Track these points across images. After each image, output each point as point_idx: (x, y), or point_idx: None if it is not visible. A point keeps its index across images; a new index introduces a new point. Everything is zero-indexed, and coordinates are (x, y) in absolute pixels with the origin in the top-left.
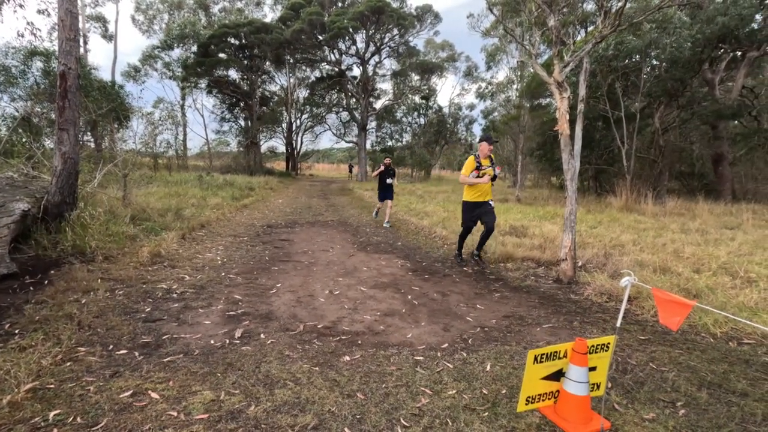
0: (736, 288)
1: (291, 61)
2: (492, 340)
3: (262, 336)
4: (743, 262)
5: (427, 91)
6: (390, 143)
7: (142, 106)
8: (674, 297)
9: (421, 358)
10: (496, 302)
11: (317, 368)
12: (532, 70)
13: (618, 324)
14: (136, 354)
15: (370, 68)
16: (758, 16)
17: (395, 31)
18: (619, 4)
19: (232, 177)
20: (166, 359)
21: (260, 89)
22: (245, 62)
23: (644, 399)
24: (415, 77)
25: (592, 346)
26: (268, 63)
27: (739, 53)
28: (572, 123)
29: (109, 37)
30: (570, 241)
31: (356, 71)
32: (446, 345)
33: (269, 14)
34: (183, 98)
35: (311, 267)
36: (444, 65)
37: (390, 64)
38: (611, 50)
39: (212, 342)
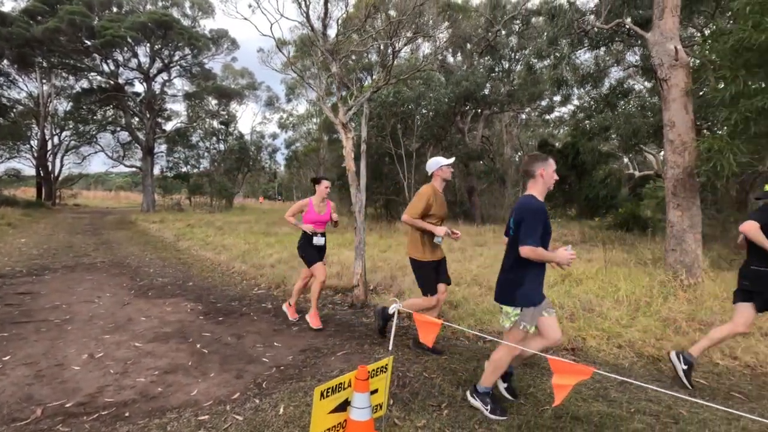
0: (482, 295)
1: (44, 65)
2: (287, 379)
3: None
4: (487, 273)
5: (227, 116)
6: (185, 169)
7: None
8: (428, 318)
9: (206, 417)
10: (294, 337)
11: None
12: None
13: (390, 347)
14: None
15: (156, 86)
16: (489, 84)
17: (187, 50)
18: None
19: None
20: None
21: None
22: None
23: (418, 408)
24: (213, 101)
25: (372, 370)
26: (6, 63)
27: (479, 110)
28: (358, 160)
29: None
30: (361, 267)
31: (139, 87)
32: (237, 395)
33: (8, 2)
34: None
35: (64, 326)
36: (244, 92)
37: (182, 85)
38: (392, 97)
39: None
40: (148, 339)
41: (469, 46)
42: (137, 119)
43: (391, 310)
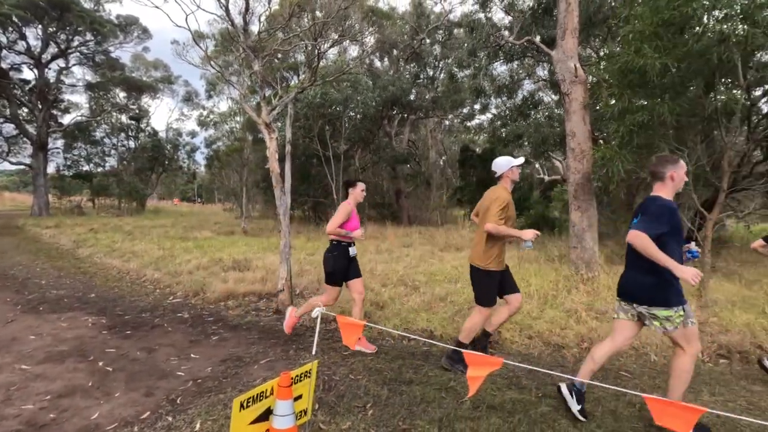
0: (408, 295)
1: None
2: (205, 393)
3: None
4: (413, 273)
5: (138, 111)
6: (87, 168)
7: None
8: (351, 320)
9: None
10: (213, 347)
11: None
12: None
13: (314, 352)
14: None
15: (51, 73)
16: (415, 90)
17: (89, 36)
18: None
19: None
20: None
21: None
22: None
23: (343, 410)
24: (121, 94)
25: (296, 376)
26: None
27: (406, 115)
28: (283, 161)
29: None
30: (286, 271)
31: (29, 74)
32: (147, 414)
33: None
34: None
35: None
36: (158, 86)
37: (83, 74)
38: (319, 99)
39: None
40: (37, 360)
41: (395, 52)
42: (26, 110)
43: (314, 314)
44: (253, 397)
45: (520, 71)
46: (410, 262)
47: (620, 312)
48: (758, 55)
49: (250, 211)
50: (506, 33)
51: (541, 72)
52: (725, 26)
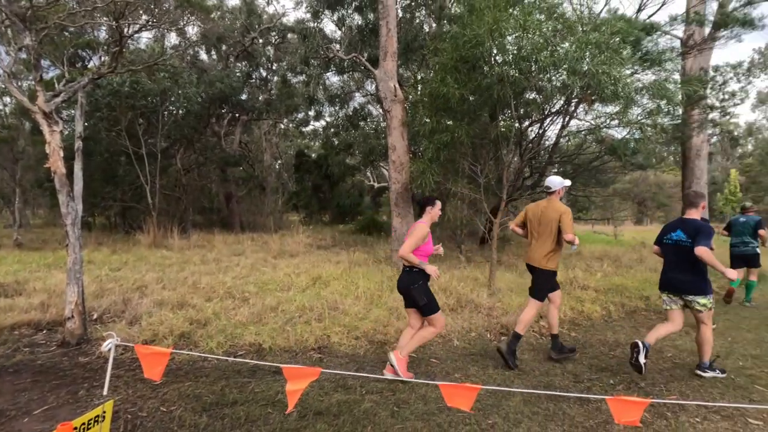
0: (236, 308)
1: None
2: None
3: None
4: (242, 284)
5: None
6: None
7: None
8: (154, 349)
9: None
10: None
11: None
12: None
13: (105, 392)
14: None
15: None
16: (247, 90)
17: None
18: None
19: None
20: None
21: None
22: None
23: None
24: None
25: (82, 424)
26: None
27: (237, 115)
28: (73, 159)
29: None
30: (76, 294)
31: None
32: None
33: None
34: None
35: None
36: None
37: None
38: (128, 87)
39: None
40: None
41: (224, 47)
42: None
43: (105, 348)
44: None
45: (351, 84)
46: (240, 272)
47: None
48: (525, 94)
49: (28, 219)
50: (337, 46)
51: (370, 87)
52: (502, 69)
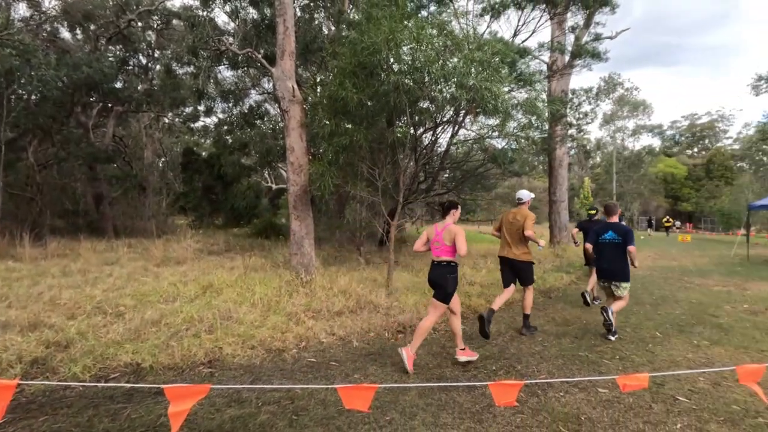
0: (107, 325)
1: None
2: None
3: None
4: (116, 297)
5: None
6: None
7: None
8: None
9: None
10: None
11: None
12: None
13: None
14: None
15: None
16: (122, 78)
17: None
18: None
19: None
20: None
21: None
22: None
23: None
24: None
25: None
26: None
27: (110, 105)
28: None
29: None
30: None
31: None
32: None
33: None
34: None
35: None
36: None
37: None
38: None
39: None
40: None
41: (93, 26)
42: None
43: None
44: None
45: (247, 80)
46: (114, 284)
47: None
48: (420, 103)
49: None
50: (231, 39)
51: (267, 85)
52: (398, 78)
